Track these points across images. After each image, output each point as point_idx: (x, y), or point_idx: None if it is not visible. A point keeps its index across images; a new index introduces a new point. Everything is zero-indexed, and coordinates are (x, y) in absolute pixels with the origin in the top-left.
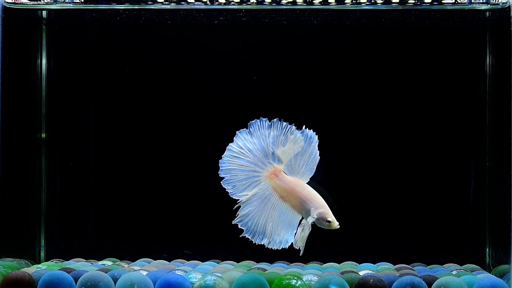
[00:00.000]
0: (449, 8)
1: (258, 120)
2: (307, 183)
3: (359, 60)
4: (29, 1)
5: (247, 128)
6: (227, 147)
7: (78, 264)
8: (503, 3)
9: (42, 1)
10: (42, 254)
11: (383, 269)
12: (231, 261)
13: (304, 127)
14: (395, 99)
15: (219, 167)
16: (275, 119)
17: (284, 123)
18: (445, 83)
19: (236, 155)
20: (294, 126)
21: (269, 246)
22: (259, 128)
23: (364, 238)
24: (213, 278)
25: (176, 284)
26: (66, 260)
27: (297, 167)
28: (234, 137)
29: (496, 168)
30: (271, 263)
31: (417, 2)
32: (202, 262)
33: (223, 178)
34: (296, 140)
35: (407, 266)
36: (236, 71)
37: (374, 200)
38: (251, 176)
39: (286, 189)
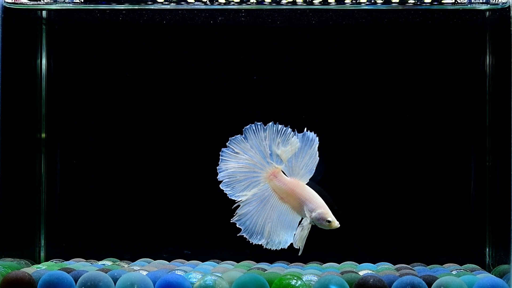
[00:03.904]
0: (449, 8)
1: (253, 124)
2: (306, 184)
3: (358, 61)
4: (29, 1)
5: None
6: (220, 153)
7: (78, 264)
8: (503, 3)
9: (42, 1)
10: (42, 254)
11: (383, 269)
12: (231, 261)
13: (305, 129)
14: (395, 99)
15: (219, 166)
16: (270, 123)
17: (280, 126)
18: (445, 83)
19: (232, 159)
20: (289, 129)
21: (267, 247)
22: (254, 132)
23: (364, 238)
24: (213, 278)
25: (176, 284)
26: (66, 260)
27: (297, 168)
28: (227, 143)
29: (496, 168)
30: (271, 263)
31: (417, 2)
32: (202, 262)
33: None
34: (292, 141)
35: (407, 266)
36: (236, 72)
37: (374, 200)
38: (250, 177)
39: (285, 190)
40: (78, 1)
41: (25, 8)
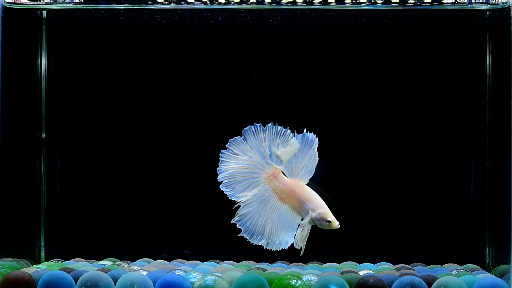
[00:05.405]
0: (449, 8)
1: (252, 126)
2: (306, 184)
3: (358, 61)
4: (29, 1)
5: (243, 131)
6: (220, 154)
7: (78, 264)
8: (503, 3)
9: (42, 1)
10: (42, 254)
11: (383, 269)
12: (231, 261)
13: (305, 130)
14: (395, 100)
15: (218, 167)
16: (269, 124)
17: (279, 127)
18: (445, 83)
19: (232, 160)
20: (289, 130)
21: (268, 247)
22: (253, 134)
23: (364, 238)
24: (213, 278)
25: (176, 284)
26: (66, 260)
27: (296, 169)
28: (227, 145)
29: (496, 168)
30: (271, 263)
31: (417, 2)
32: (202, 262)
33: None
34: (292, 142)
35: (407, 266)
36: (235, 73)
37: (373, 200)
38: (249, 177)
39: (285, 191)
40: (78, 1)
41: (25, 8)
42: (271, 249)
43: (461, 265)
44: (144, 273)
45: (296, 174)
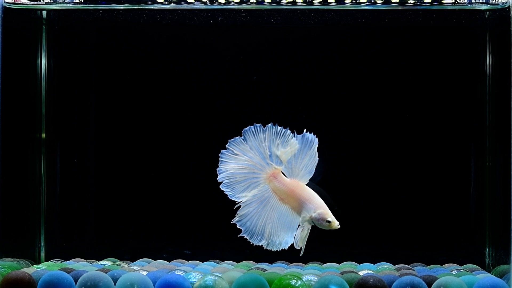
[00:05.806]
0: (449, 8)
1: (252, 126)
2: (306, 184)
3: (358, 61)
4: (29, 1)
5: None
6: (220, 154)
7: (78, 264)
8: (503, 3)
9: (42, 1)
10: (42, 254)
11: (383, 269)
12: (231, 261)
13: (305, 130)
14: (395, 100)
15: (218, 167)
16: (269, 124)
17: (279, 127)
18: (445, 83)
19: (232, 161)
20: (289, 130)
21: (268, 248)
22: (253, 134)
23: (364, 238)
24: (213, 278)
25: (176, 284)
26: (66, 260)
27: (296, 169)
28: (227, 145)
29: (496, 168)
30: (271, 263)
31: (417, 2)
32: (202, 262)
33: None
34: (292, 143)
35: (407, 266)
36: (235, 73)
37: (373, 200)
38: (249, 178)
39: (285, 191)
40: (78, 1)
41: (25, 8)
42: (271, 249)
43: (461, 265)
44: (144, 273)
45: (296, 175)
